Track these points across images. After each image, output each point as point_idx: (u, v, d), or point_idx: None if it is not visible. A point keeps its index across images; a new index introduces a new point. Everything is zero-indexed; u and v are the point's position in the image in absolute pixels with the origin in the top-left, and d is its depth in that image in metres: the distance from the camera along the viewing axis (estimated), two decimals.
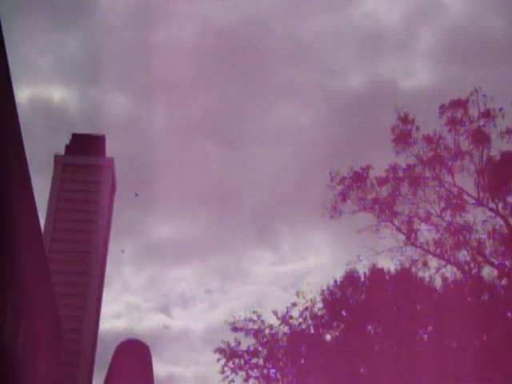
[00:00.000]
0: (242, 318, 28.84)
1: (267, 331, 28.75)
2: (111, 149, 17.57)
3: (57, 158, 16.97)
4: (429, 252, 27.23)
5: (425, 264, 27.23)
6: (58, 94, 38.71)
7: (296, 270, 43.82)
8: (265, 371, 28.58)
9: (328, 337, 29.09)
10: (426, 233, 27.44)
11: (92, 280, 15.97)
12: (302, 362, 28.46)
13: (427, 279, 27.53)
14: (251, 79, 37.10)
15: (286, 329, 28.74)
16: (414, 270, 27.63)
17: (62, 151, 17.28)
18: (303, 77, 38.30)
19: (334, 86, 35.92)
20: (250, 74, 36.47)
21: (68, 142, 17.27)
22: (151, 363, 8.99)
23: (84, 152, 16.96)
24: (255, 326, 28.78)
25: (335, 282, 29.08)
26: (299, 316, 28.76)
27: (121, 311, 49.43)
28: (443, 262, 27.15)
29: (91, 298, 15.91)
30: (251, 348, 28.69)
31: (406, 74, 39.39)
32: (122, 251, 28.35)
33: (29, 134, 9.65)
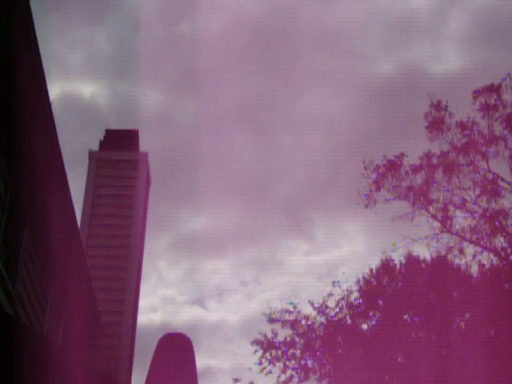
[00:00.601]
0: (279, 309, 28.89)
1: (304, 322, 28.78)
2: (143, 142, 17.62)
3: (91, 153, 17.06)
4: (465, 239, 27.10)
5: (461, 251, 27.11)
6: (88, 89, 38.90)
7: (330, 259, 43.74)
8: (302, 362, 28.62)
9: (364, 326, 29.05)
10: (461, 220, 27.34)
11: (129, 274, 16.06)
12: (339, 351, 28.44)
13: (463, 266, 27.40)
14: (281, 68, 37.02)
15: (322, 319, 28.74)
16: (449, 257, 27.52)
17: (94, 147, 17.37)
18: (332, 64, 38.15)
19: (364, 72, 35.77)
20: (280, 63, 36.40)
21: (101, 138, 17.36)
22: (194, 357, 9.01)
23: (118, 147, 17.03)
24: (291, 317, 28.81)
25: (371, 270, 29.03)
26: (335, 306, 28.75)
27: (156, 305, 49.68)
28: (479, 249, 27.02)
29: (129, 292, 16.01)
30: (288, 339, 28.72)
31: (437, 59, 39.06)
32: None
33: (60, 129, 9.71)
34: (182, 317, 48.89)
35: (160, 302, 49.47)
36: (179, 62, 38.51)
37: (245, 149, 40.26)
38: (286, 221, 41.20)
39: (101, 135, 17.68)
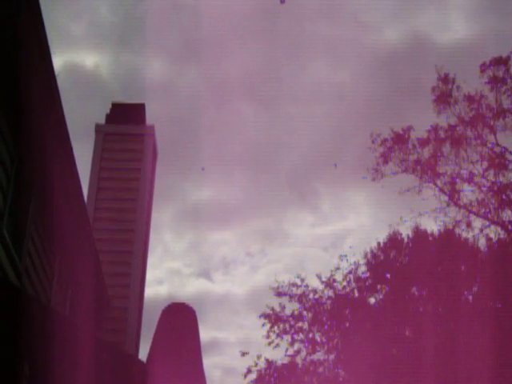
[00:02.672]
0: (286, 282, 28.94)
1: (311, 295, 28.83)
2: (148, 112, 17.58)
3: (98, 127, 17.05)
4: (472, 212, 27.08)
5: (468, 224, 27.10)
6: (91, 59, 38.76)
7: (337, 230, 43.75)
8: (310, 335, 28.71)
9: (372, 300, 29.09)
10: (469, 193, 27.30)
11: (136, 247, 16.10)
12: (347, 325, 28.51)
13: (471, 240, 27.38)
14: (285, 38, 36.83)
15: (330, 293, 28.79)
16: (457, 230, 27.51)
17: (98, 118, 17.32)
18: (337, 33, 37.92)
19: (370, 41, 35.56)
20: (284, 33, 36.19)
21: (108, 111, 17.33)
22: (197, 327, 9.02)
23: (125, 121, 17.02)
24: (299, 291, 28.86)
25: (378, 244, 29.02)
26: (343, 279, 28.78)
27: (163, 277, 49.85)
28: (487, 222, 27.01)
29: (136, 265, 16.06)
30: (296, 313, 28.79)
31: (444, 28, 38.76)
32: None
33: (64, 100, 9.68)
34: (188, 289, 49.07)
35: (166, 275, 49.65)
36: (183, 31, 38.36)
37: (250, 120, 40.15)
38: (292, 192, 41.19)
39: (105, 107, 17.65)
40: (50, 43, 8.73)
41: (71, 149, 10.55)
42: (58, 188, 10.94)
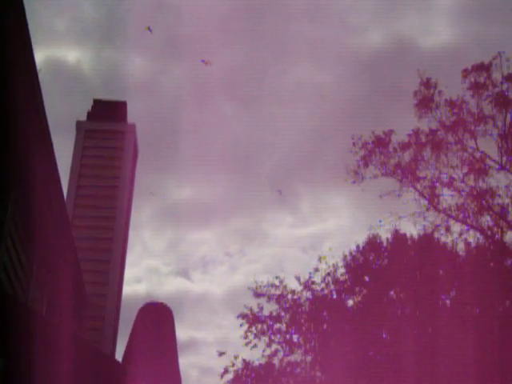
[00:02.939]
0: (265, 283, 28.95)
1: (290, 297, 28.85)
2: (130, 111, 17.52)
3: (79, 124, 16.97)
4: (451, 217, 27.19)
5: (447, 229, 27.22)
6: (73, 55, 38.62)
7: (316, 232, 43.86)
8: (287, 336, 28.73)
9: (350, 302, 29.16)
10: (448, 198, 27.40)
11: (115, 245, 16.05)
12: (325, 327, 28.56)
13: (450, 244, 27.50)
14: (269, 38, 36.87)
15: (308, 294, 28.83)
16: (436, 235, 27.61)
17: (79, 115, 17.24)
18: (321, 34, 38.00)
19: (353, 43, 35.65)
20: (267, 33, 36.24)
21: (89, 108, 17.26)
22: (174, 327, 9.00)
23: (106, 118, 16.95)
24: (278, 292, 28.88)
25: (357, 247, 29.10)
26: (321, 281, 28.83)
27: (141, 275, 49.79)
28: (466, 227, 27.12)
29: (115, 263, 16.00)
30: (274, 314, 28.80)
31: (427, 31, 38.92)
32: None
33: (45, 95, 9.61)
34: (167, 288, 49.02)
35: (145, 273, 49.57)
36: (166, 29, 38.30)
37: (232, 119, 40.13)
38: (272, 193, 41.20)
39: (87, 103, 17.58)
40: (32, 38, 8.67)
41: (52, 145, 10.48)
42: (38, 185, 10.87)
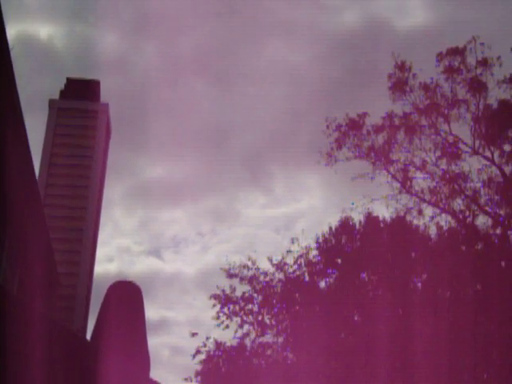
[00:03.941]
0: (237, 264, 28.93)
1: (262, 278, 28.86)
2: (103, 88, 17.42)
3: (52, 102, 16.87)
4: (424, 200, 27.32)
5: (419, 212, 27.34)
6: (45, 31, 38.33)
7: (289, 212, 43.99)
8: (259, 317, 28.76)
9: (322, 284, 29.22)
10: (421, 181, 27.51)
11: (87, 225, 16.01)
12: (297, 308, 28.61)
13: (422, 227, 27.62)
14: (242, 16, 36.83)
15: (280, 275, 28.84)
16: (408, 218, 27.73)
17: (52, 93, 17.10)
18: (295, 13, 38.01)
19: (328, 22, 35.69)
20: (241, 11, 36.19)
21: (62, 86, 17.14)
22: (143, 305, 9.01)
23: (79, 97, 16.87)
24: (250, 273, 28.87)
25: (330, 229, 29.13)
26: (294, 263, 28.84)
27: (113, 254, 49.74)
28: (438, 211, 27.27)
29: (86, 243, 15.97)
30: (246, 295, 28.80)
31: (403, 13, 39.04)
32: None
33: (17, 74, 9.52)
34: (138, 267, 49.00)
35: (116, 252, 49.50)
36: (138, 5, 38.10)
37: (204, 98, 40.02)
38: (245, 173, 41.25)
39: (60, 81, 17.45)
40: (3, 14, 8.58)
41: (23, 123, 10.41)
42: (9, 163, 10.79)
